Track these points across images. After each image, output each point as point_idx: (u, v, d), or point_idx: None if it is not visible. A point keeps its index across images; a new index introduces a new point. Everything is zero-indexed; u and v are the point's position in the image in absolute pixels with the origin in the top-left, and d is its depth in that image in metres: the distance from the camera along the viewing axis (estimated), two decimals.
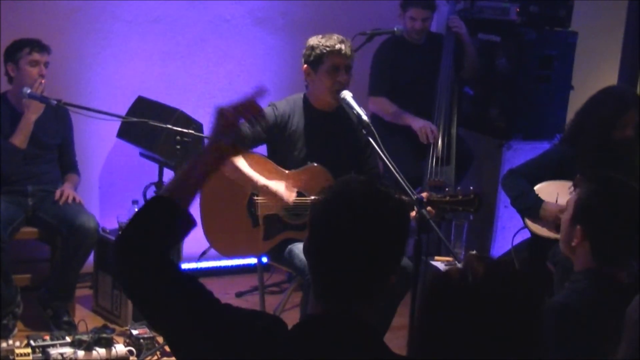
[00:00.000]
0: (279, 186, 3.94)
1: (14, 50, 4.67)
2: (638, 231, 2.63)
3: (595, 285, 2.59)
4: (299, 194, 4.01)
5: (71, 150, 4.99)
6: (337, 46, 3.94)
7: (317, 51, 3.96)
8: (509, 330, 1.64)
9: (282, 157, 4.06)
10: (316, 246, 1.94)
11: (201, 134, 4.79)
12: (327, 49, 3.95)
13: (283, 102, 4.12)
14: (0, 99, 4.71)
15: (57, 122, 4.86)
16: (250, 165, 4.01)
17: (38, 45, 4.67)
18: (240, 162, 3.95)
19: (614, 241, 2.65)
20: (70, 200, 4.69)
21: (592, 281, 2.61)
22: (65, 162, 4.93)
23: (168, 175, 5.16)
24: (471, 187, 3.83)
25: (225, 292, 5.43)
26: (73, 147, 5.00)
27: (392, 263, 1.94)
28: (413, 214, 3.62)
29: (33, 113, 4.62)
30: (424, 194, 3.60)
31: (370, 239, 1.89)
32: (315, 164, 4.02)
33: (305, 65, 4.03)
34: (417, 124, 5.17)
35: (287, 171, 4.05)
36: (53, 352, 4.08)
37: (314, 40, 4.01)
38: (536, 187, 4.34)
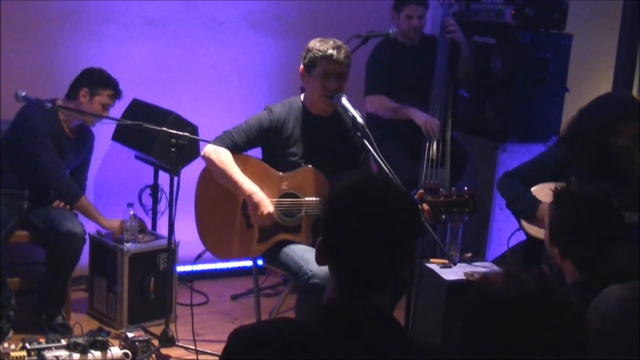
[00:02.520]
0: (262, 197, 3.95)
1: (99, 82, 4.68)
2: (612, 242, 2.65)
3: (584, 299, 2.59)
4: (293, 195, 4.01)
5: (84, 173, 5.02)
6: (330, 52, 3.93)
7: (312, 54, 3.96)
8: (558, 344, 1.67)
9: (276, 161, 4.06)
10: (337, 244, 1.95)
11: (196, 137, 4.79)
12: (320, 53, 3.94)
13: (279, 106, 4.11)
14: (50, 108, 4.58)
15: (84, 143, 4.89)
16: (244, 167, 4.01)
17: (120, 94, 4.73)
18: (232, 167, 3.96)
19: (592, 256, 2.68)
20: (62, 205, 4.69)
21: (580, 294, 2.61)
22: (76, 181, 4.89)
23: (163, 178, 5.17)
24: (465, 188, 3.83)
25: (220, 295, 5.44)
26: (87, 169, 5.04)
27: (408, 255, 1.97)
28: None
29: (107, 224, 4.76)
30: (419, 192, 3.60)
31: (390, 232, 1.92)
32: (310, 166, 4.02)
33: (302, 67, 4.03)
34: (420, 118, 5.15)
35: (280, 173, 4.05)
36: (48, 355, 4.07)
37: (311, 43, 4.00)
38: (532, 189, 4.34)
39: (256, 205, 3.93)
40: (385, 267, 1.93)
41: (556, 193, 2.97)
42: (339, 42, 4.01)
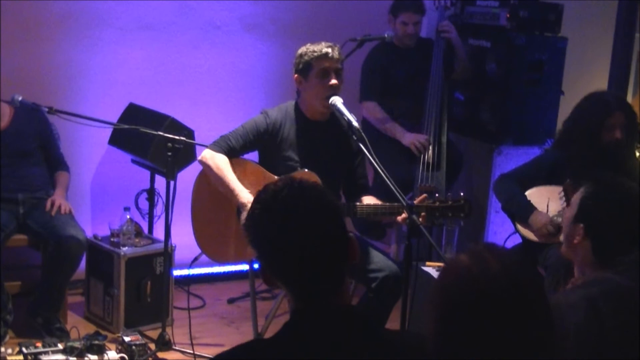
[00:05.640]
0: None
1: None
2: (638, 232, 2.65)
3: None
4: None
5: (55, 147, 4.92)
6: (324, 50, 3.95)
7: (306, 58, 3.98)
8: (522, 327, 1.69)
9: (273, 164, 4.07)
10: (274, 264, 2.04)
11: (192, 141, 4.80)
12: (315, 54, 3.96)
13: (275, 110, 4.12)
14: None
15: (33, 124, 4.80)
16: (242, 171, 4.02)
17: None
18: (228, 173, 3.96)
19: (615, 241, 2.67)
20: (62, 211, 4.65)
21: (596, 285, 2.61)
22: (52, 160, 4.87)
23: (160, 182, 5.17)
24: (461, 193, 3.84)
25: (217, 298, 5.44)
26: (55, 143, 4.94)
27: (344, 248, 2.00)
28: (403, 217, 3.64)
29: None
30: (423, 196, 3.61)
31: (325, 228, 1.97)
32: (306, 170, 4.02)
33: (296, 75, 4.04)
34: (406, 139, 5.17)
35: (276, 177, 4.05)
36: (45, 359, 4.08)
37: (302, 49, 4.02)
38: (527, 192, 4.36)
39: None
40: (328, 267, 1.96)
41: (594, 179, 2.92)
42: (330, 43, 4.03)
